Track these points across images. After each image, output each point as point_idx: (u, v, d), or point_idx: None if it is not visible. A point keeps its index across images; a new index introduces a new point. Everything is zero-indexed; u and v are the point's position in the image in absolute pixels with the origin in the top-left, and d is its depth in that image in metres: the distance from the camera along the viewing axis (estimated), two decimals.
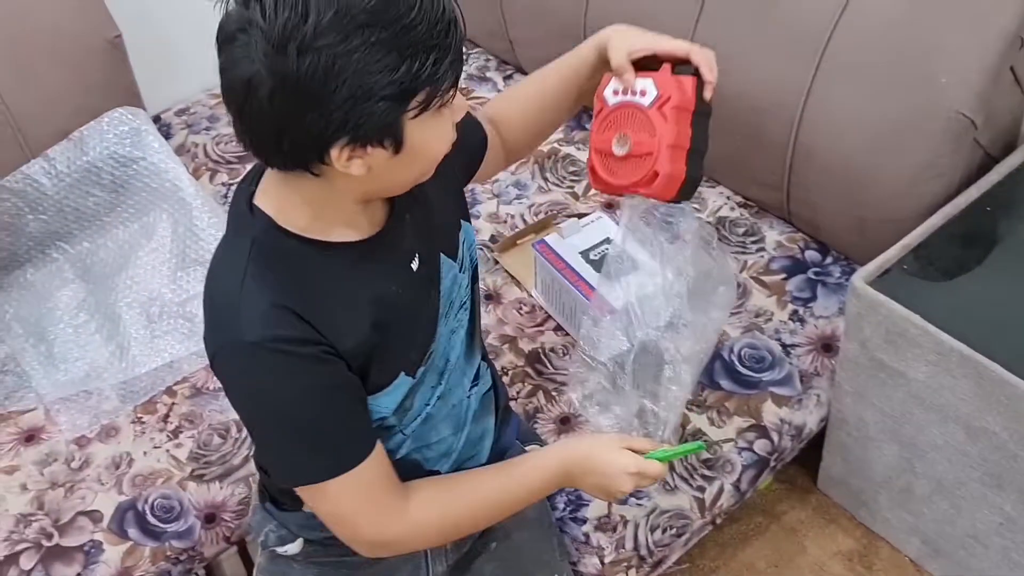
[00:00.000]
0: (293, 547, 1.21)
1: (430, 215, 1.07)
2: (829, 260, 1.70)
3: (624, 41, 1.14)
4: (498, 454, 1.25)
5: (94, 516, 1.43)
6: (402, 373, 1.04)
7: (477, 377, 1.19)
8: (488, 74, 2.18)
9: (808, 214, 1.69)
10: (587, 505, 1.40)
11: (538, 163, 1.93)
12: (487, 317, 1.66)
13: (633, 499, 1.41)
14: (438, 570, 1.24)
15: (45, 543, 1.40)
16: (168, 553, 1.40)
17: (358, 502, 1.02)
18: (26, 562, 1.38)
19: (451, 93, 0.91)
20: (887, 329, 1.36)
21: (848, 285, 1.42)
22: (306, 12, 0.82)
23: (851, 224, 1.61)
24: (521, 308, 1.66)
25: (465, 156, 1.17)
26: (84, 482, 1.47)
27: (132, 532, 1.41)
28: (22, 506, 1.44)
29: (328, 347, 0.96)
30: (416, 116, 0.89)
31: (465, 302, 1.13)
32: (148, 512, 1.43)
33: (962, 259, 1.47)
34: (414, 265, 1.04)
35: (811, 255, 1.71)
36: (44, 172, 1.68)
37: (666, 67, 1.14)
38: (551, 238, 1.61)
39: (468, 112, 1.06)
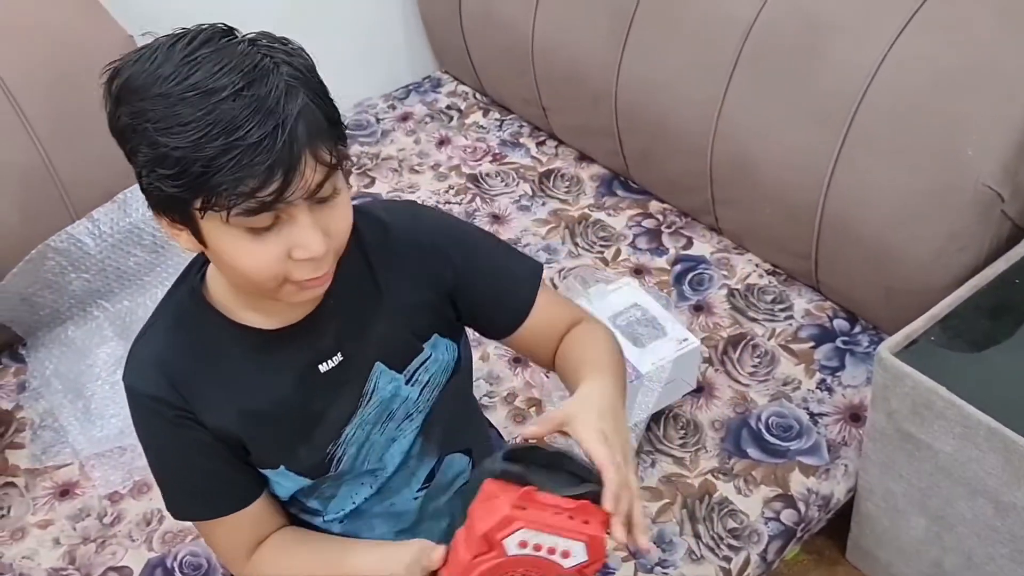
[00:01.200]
0: None
1: (374, 323, 1.03)
2: (858, 329, 1.70)
3: (580, 432, 0.90)
4: None
5: (124, 572, 1.45)
6: (283, 466, 1.04)
7: (431, 479, 1.13)
8: (521, 140, 2.22)
9: (836, 283, 1.70)
10: (613, 574, 1.40)
11: (568, 228, 1.95)
12: (515, 380, 1.67)
13: (659, 568, 1.40)
14: None
15: None
16: None
17: (217, 541, 1.08)
18: None
19: (237, 214, 0.82)
20: (913, 401, 1.35)
21: (875, 355, 1.42)
22: (121, 68, 0.84)
23: (879, 294, 1.62)
24: (549, 371, 1.68)
25: (486, 309, 1.09)
26: (115, 538, 1.49)
27: None
28: (54, 560, 1.47)
29: (188, 415, 0.99)
30: (203, 216, 0.84)
31: (412, 414, 1.07)
32: (177, 569, 1.45)
33: (990, 331, 1.46)
34: (323, 367, 1.02)
35: (840, 324, 1.71)
36: (88, 232, 1.73)
37: (590, 509, 0.85)
38: (580, 304, 1.63)
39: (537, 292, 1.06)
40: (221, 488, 1.04)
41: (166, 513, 1.49)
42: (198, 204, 0.82)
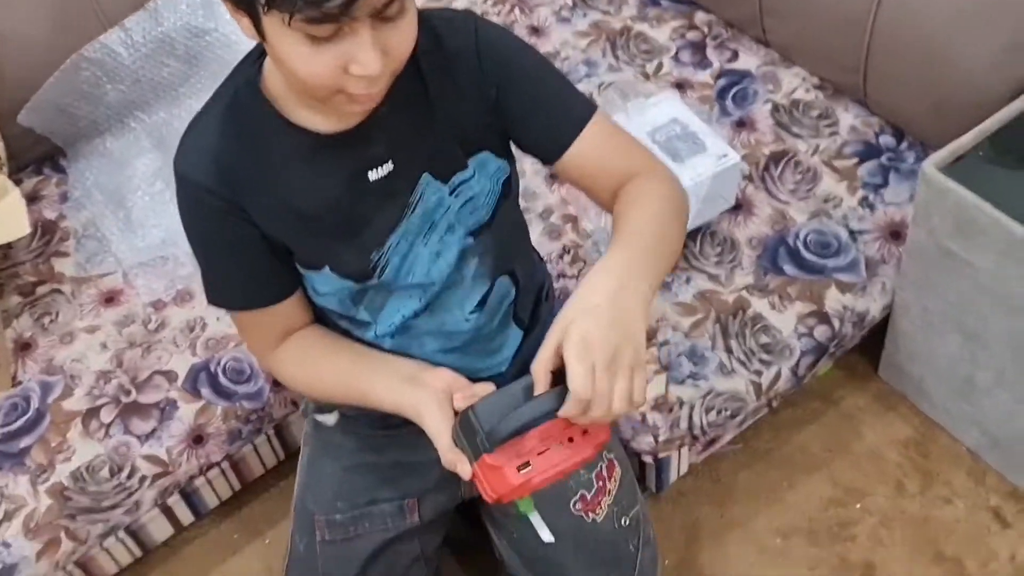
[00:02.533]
0: (330, 418, 1.26)
1: (425, 133, 1.02)
2: (904, 145, 1.65)
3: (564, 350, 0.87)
4: (523, 367, 1.17)
5: (169, 375, 1.50)
6: (327, 267, 1.05)
7: (483, 303, 1.13)
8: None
9: (885, 97, 1.64)
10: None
11: (609, 40, 1.89)
12: (551, 196, 1.66)
13: (690, 380, 1.42)
14: None
15: (123, 399, 1.48)
16: (239, 413, 1.47)
17: (249, 334, 1.14)
18: (106, 416, 1.46)
19: (301, 19, 0.80)
20: (956, 217, 1.33)
21: (920, 171, 1.38)
22: None
23: (929, 108, 1.56)
24: None
25: (530, 129, 1.06)
26: (160, 343, 1.54)
27: (205, 392, 1.48)
28: (102, 363, 1.52)
29: (236, 207, 1.00)
30: (267, 13, 0.82)
31: (454, 225, 1.06)
32: (220, 373, 1.50)
33: None
34: (372, 174, 1.01)
35: (885, 140, 1.66)
36: (121, 42, 1.70)
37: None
38: (618, 118, 1.59)
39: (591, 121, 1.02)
40: (258, 281, 1.06)
41: (209, 321, 1.55)
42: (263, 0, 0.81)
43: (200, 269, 1.08)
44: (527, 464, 0.88)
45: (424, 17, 1.01)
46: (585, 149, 1.04)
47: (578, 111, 1.05)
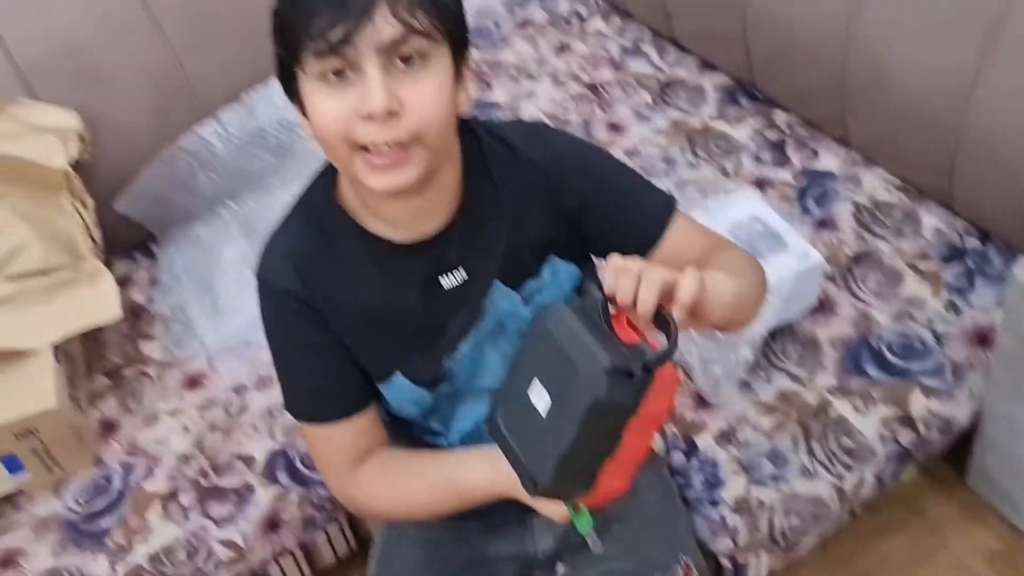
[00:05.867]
0: None
1: (497, 242, 1.03)
2: (991, 249, 1.62)
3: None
4: None
5: (248, 460, 1.52)
6: (398, 372, 1.05)
7: None
8: (643, 47, 2.16)
9: (971, 199, 1.62)
10: (724, 486, 1.40)
11: (688, 138, 1.91)
12: None
13: (771, 482, 1.40)
14: (544, 545, 1.22)
15: (203, 482, 1.49)
16: (314, 501, 1.47)
17: (324, 453, 1.10)
18: (185, 499, 1.48)
19: (311, 58, 0.86)
20: None
21: (1009, 275, 1.36)
22: None
23: (1017, 211, 1.54)
24: None
25: (611, 237, 1.05)
26: (240, 428, 1.56)
27: (282, 478, 1.49)
28: (184, 446, 1.54)
29: (314, 311, 1.02)
30: (296, 72, 0.90)
31: (524, 329, 1.05)
32: (298, 460, 1.51)
33: None
34: (446, 281, 1.02)
35: (971, 243, 1.64)
36: (216, 134, 1.77)
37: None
38: (697, 214, 1.60)
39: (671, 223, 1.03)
40: (334, 391, 1.06)
41: None
42: (288, 57, 0.88)
43: (278, 377, 1.09)
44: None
45: (494, 128, 1.04)
46: (668, 245, 1.04)
47: (659, 209, 1.05)
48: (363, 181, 0.92)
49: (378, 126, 0.87)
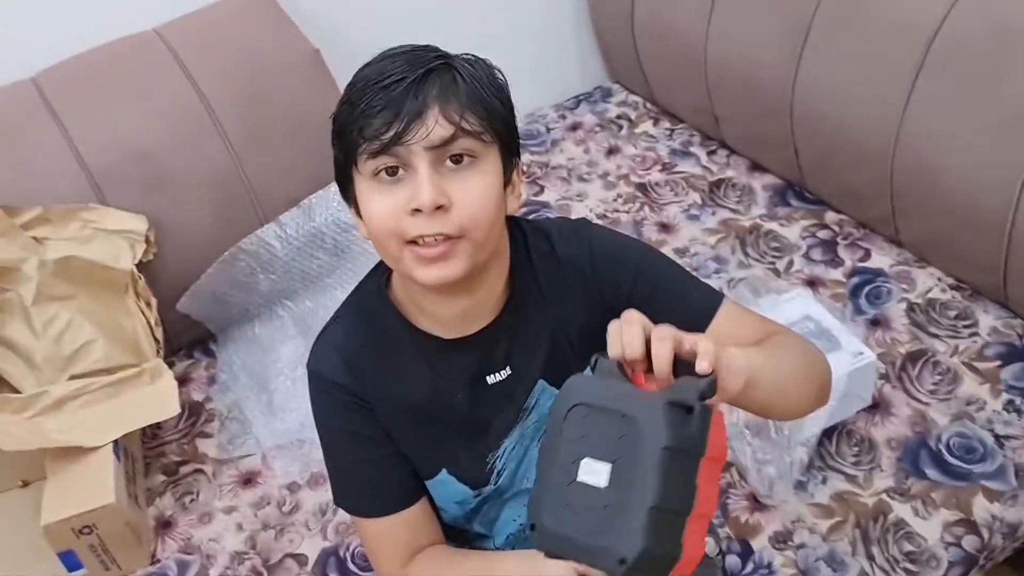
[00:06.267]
0: None
1: (541, 339, 1.04)
2: None
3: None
4: None
5: (300, 559, 1.52)
6: (444, 470, 1.06)
7: None
8: (692, 149, 2.20)
9: None
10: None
11: (739, 238, 1.92)
12: None
13: None
14: None
15: None
16: None
17: (374, 544, 1.10)
18: None
19: (366, 157, 0.91)
20: None
21: None
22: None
23: None
24: None
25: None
26: (293, 526, 1.56)
27: None
28: (237, 544, 1.55)
29: (363, 403, 1.03)
30: (353, 174, 0.94)
31: None
32: (349, 559, 1.50)
33: None
34: (491, 379, 1.04)
35: None
36: (276, 236, 1.82)
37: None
38: None
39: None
40: (383, 484, 1.07)
41: None
42: (345, 159, 0.92)
43: (327, 469, 1.11)
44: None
45: (538, 225, 1.06)
46: (716, 332, 1.02)
47: (705, 299, 1.04)
48: (411, 275, 0.94)
49: (426, 220, 0.90)
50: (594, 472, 0.80)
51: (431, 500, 1.10)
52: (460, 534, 1.13)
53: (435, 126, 0.88)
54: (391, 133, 0.88)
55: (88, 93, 1.79)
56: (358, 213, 0.97)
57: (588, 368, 0.84)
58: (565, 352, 1.05)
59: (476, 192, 0.92)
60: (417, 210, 0.89)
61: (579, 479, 0.81)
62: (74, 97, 1.77)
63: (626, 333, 0.83)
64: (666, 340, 0.82)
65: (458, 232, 0.91)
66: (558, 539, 0.83)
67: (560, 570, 0.95)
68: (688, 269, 1.89)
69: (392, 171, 0.91)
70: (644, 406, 0.79)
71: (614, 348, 0.83)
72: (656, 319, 1.03)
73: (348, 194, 0.98)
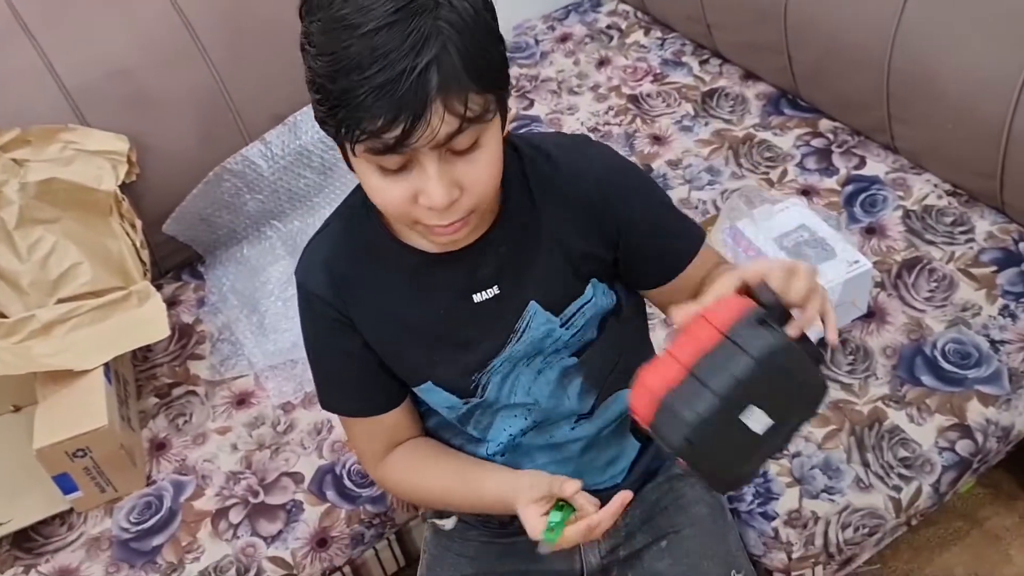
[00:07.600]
0: (448, 522, 1.25)
1: (534, 260, 1.02)
2: None
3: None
4: (643, 476, 1.21)
5: (296, 477, 1.52)
6: (429, 381, 1.06)
7: (591, 414, 1.11)
8: (684, 59, 2.15)
9: (1023, 203, 1.59)
10: (777, 499, 1.37)
11: (732, 148, 1.90)
12: None
13: (825, 495, 1.37)
14: (591, 559, 1.21)
15: (252, 500, 1.50)
16: (362, 516, 1.47)
17: (357, 441, 1.16)
18: (235, 516, 1.48)
19: (364, 149, 0.83)
20: None
21: None
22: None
23: None
24: None
25: (640, 263, 1.06)
26: (288, 445, 1.56)
27: (330, 494, 1.49)
28: (232, 464, 1.55)
29: (346, 320, 1.03)
30: (350, 148, 0.86)
31: (560, 350, 1.06)
32: (345, 476, 1.51)
33: None
34: (477, 297, 1.01)
35: None
36: (261, 155, 1.79)
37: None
38: (743, 224, 1.58)
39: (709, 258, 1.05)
40: (366, 391, 1.09)
41: (335, 423, 1.57)
42: (336, 132, 0.85)
43: (313, 374, 1.12)
44: None
45: (536, 141, 1.02)
46: (681, 280, 1.05)
47: (688, 243, 1.06)
48: (419, 238, 0.97)
49: (439, 213, 0.88)
50: (757, 420, 0.86)
51: (416, 400, 1.12)
52: (459, 435, 1.14)
53: (440, 124, 0.81)
54: (393, 135, 0.81)
55: (63, 9, 1.73)
56: (348, 161, 0.91)
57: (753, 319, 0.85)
58: (563, 275, 1.03)
59: (485, 172, 0.88)
60: (430, 209, 0.87)
61: (742, 420, 0.85)
62: (48, 14, 1.72)
63: (795, 284, 0.87)
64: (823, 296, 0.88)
65: (470, 212, 0.90)
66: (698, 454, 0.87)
67: (537, 491, 1.01)
68: (681, 181, 1.88)
69: (395, 166, 0.86)
70: (815, 378, 0.92)
71: (781, 288, 0.87)
72: (643, 254, 1.05)
73: (336, 142, 0.89)
